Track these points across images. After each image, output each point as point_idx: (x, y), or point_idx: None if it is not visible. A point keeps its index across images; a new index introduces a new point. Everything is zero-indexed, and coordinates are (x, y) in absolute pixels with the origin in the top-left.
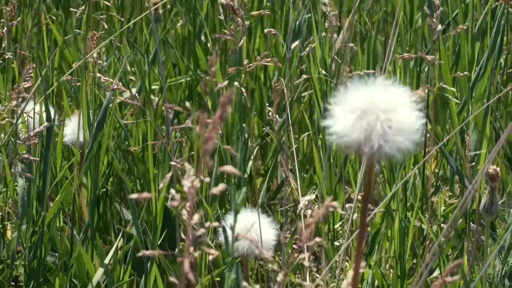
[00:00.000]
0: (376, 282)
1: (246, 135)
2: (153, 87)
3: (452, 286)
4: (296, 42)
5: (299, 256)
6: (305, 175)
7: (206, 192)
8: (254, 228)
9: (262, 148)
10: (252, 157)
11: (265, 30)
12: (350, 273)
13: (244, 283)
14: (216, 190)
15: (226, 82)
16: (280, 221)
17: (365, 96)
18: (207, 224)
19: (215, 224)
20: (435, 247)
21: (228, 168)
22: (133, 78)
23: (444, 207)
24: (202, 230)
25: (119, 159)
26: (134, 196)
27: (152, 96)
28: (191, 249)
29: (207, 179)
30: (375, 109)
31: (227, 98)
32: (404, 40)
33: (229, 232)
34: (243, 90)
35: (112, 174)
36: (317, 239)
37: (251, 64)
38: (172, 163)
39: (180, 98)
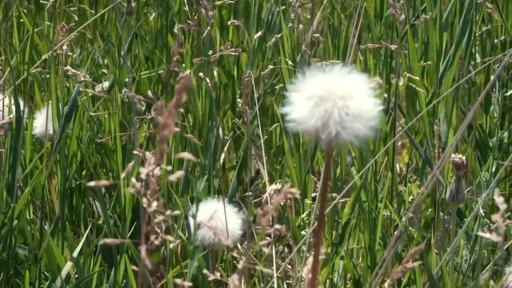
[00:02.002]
0: (349, 275)
1: (220, 127)
2: (126, 79)
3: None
4: (259, 33)
5: (258, 243)
6: (278, 167)
7: (176, 183)
8: (220, 219)
9: (235, 140)
10: (225, 149)
11: (229, 22)
12: (310, 260)
13: (205, 271)
14: (173, 177)
15: (188, 71)
16: (253, 213)
17: (322, 83)
18: (168, 212)
19: (177, 212)
20: (398, 232)
21: (185, 154)
22: (105, 71)
23: (412, 196)
24: (160, 217)
25: (92, 152)
26: (92, 183)
27: (125, 89)
28: (153, 237)
29: (169, 168)
30: (333, 96)
31: (183, 85)
32: (374, 33)
33: (191, 220)
34: (207, 80)
35: (85, 167)
36: (277, 226)
37: (215, 55)
38: (135, 152)
39: (153, 91)
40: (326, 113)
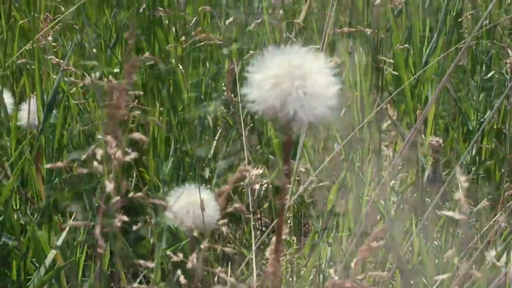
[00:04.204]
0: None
1: (210, 118)
2: (115, 70)
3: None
4: (231, 19)
5: (219, 222)
6: (271, 157)
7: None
8: (198, 204)
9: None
10: (215, 138)
11: (200, 8)
12: (273, 239)
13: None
14: (128, 157)
15: (147, 54)
16: (245, 201)
17: (281, 63)
18: (131, 194)
19: (139, 194)
20: (369, 206)
21: (136, 135)
22: (96, 63)
23: (394, 181)
24: (117, 198)
25: (84, 143)
26: (48, 166)
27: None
28: (117, 219)
29: (132, 152)
30: (291, 76)
31: (131, 66)
32: (360, 19)
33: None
34: (180, 66)
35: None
36: (236, 204)
37: (189, 41)
38: (99, 136)
39: (142, 81)
40: (284, 92)
